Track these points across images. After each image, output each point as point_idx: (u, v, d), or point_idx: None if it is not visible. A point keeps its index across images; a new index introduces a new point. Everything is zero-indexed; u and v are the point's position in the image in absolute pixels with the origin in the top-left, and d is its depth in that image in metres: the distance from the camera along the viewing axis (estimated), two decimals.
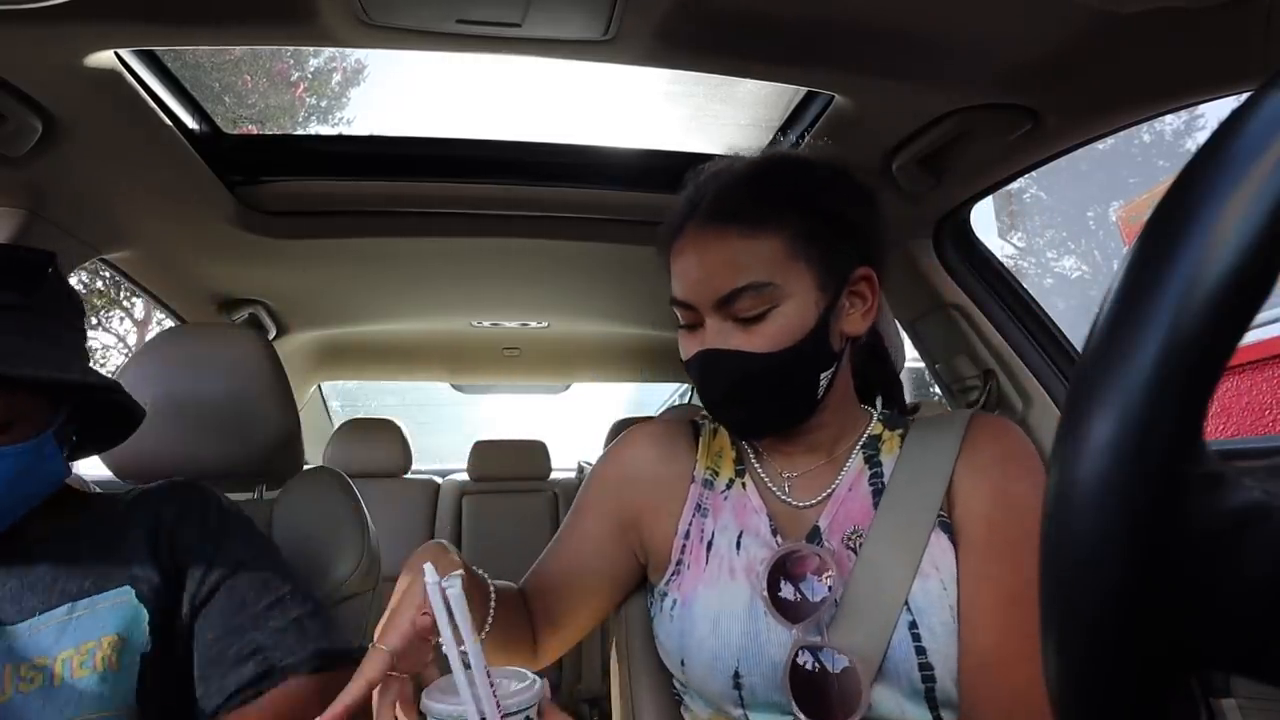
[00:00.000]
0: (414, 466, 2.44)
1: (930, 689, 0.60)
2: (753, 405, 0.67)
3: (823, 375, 0.66)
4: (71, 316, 0.74)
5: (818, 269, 0.65)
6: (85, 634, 0.66)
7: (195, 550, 0.73)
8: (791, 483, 0.72)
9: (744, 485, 0.73)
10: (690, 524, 0.73)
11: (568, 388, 3.04)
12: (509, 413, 3.95)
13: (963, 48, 0.83)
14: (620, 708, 0.86)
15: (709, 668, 0.65)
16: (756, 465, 0.74)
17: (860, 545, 0.65)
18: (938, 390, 1.53)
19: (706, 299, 0.65)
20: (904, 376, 0.85)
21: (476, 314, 1.98)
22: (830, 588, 0.62)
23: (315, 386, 2.57)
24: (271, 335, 1.84)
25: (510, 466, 2.47)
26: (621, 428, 2.52)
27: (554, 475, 2.51)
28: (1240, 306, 0.19)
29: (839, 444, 0.72)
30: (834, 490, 0.70)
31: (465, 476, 2.50)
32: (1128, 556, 0.20)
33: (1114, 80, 0.86)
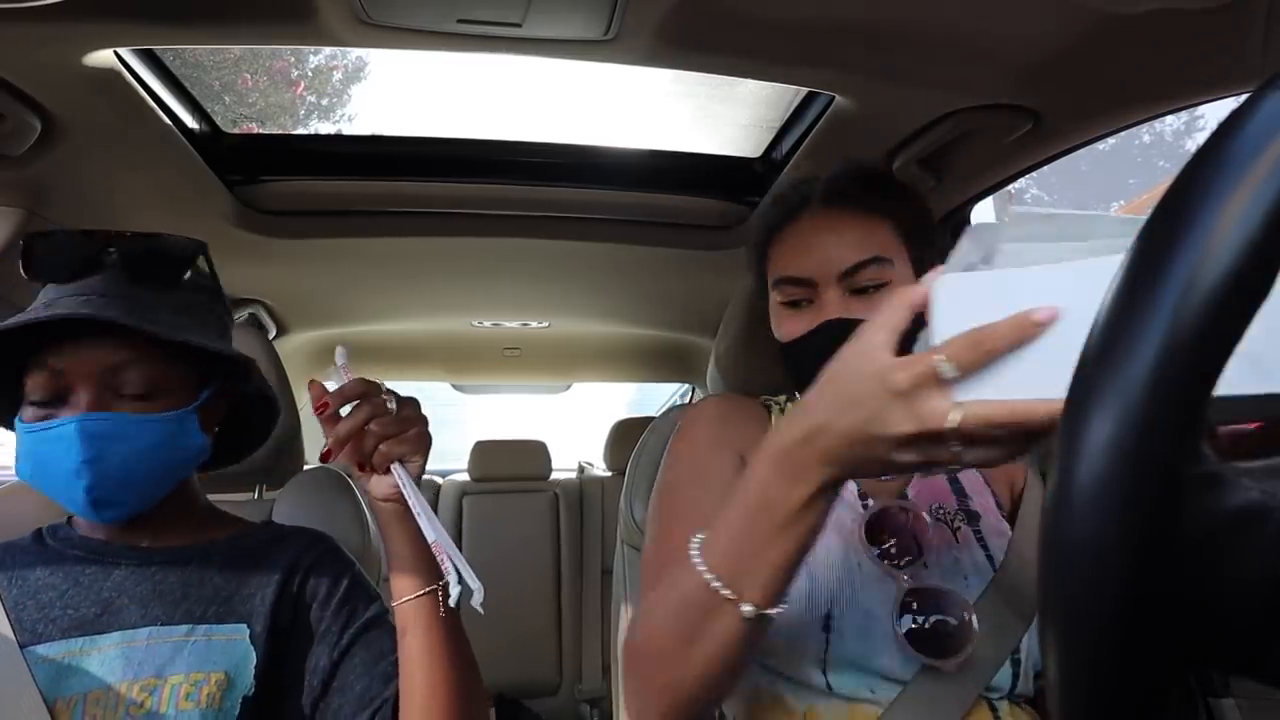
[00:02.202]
0: None
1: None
2: None
3: None
4: (216, 304, 0.76)
5: (912, 261, 0.72)
6: (198, 663, 0.65)
7: (327, 603, 0.72)
8: None
9: None
10: None
11: (568, 388, 3.04)
12: (509, 413, 3.94)
13: (963, 48, 0.83)
14: (621, 708, 0.85)
15: (801, 609, 0.66)
16: None
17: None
18: None
19: (830, 271, 0.70)
20: None
21: (477, 314, 1.98)
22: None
23: None
24: (271, 335, 1.84)
25: (511, 467, 2.46)
26: (622, 428, 2.52)
27: (555, 475, 2.51)
28: (1239, 307, 0.19)
29: None
30: None
31: (466, 477, 2.49)
32: (1127, 557, 0.20)
33: (1114, 80, 0.85)
